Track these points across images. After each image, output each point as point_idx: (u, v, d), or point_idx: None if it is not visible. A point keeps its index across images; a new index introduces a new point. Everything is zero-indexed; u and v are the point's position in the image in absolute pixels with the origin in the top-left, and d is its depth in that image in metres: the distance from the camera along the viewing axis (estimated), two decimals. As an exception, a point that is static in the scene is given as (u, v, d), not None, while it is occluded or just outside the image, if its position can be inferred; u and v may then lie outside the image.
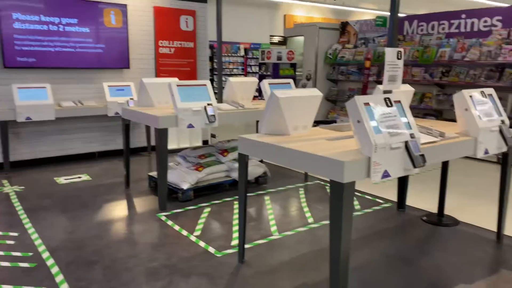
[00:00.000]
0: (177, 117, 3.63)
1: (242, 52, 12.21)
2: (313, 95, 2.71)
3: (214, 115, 3.75)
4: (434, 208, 3.73)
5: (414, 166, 2.15)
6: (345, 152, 2.13)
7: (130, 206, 3.87)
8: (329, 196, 2.06)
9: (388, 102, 2.21)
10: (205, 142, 6.52)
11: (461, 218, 3.56)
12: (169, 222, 3.45)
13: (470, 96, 2.68)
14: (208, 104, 3.77)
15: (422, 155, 2.16)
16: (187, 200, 3.95)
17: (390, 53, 2.66)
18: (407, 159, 2.16)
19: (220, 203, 3.93)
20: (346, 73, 7.99)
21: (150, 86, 4.20)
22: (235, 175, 4.29)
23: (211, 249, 2.95)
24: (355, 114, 2.08)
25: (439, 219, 3.53)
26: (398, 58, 2.73)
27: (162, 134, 3.64)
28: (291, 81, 4.56)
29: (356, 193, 4.25)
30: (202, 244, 3.04)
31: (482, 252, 2.94)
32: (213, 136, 6.71)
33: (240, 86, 4.70)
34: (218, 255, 2.86)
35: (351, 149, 2.20)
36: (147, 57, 5.99)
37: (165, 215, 3.61)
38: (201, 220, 3.49)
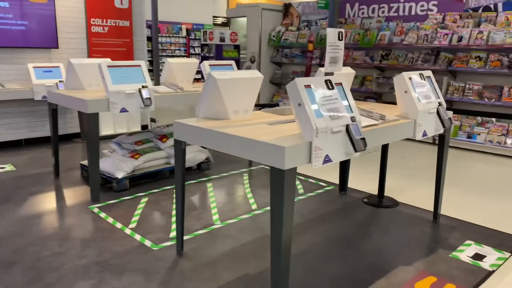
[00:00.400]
0: (109, 100, 3.36)
1: (184, 33, 11.80)
2: (254, 77, 2.57)
3: (149, 98, 3.52)
4: (375, 190, 3.77)
5: (355, 150, 2.09)
6: (286, 137, 2.02)
7: (59, 198, 3.57)
8: (270, 183, 1.95)
9: (329, 85, 2.12)
10: (144, 127, 6.21)
11: (401, 199, 3.63)
12: (102, 215, 3.20)
13: (410, 78, 2.67)
14: (143, 87, 3.52)
15: (363, 139, 2.10)
16: (123, 190, 3.71)
17: (331, 34, 2.57)
18: (348, 143, 2.10)
19: (159, 192, 3.73)
20: (289, 56, 7.93)
21: (79, 67, 3.86)
22: (175, 161, 4.09)
23: (148, 242, 2.77)
24: (295, 97, 1.97)
25: (380, 200, 3.58)
26: (340, 39, 2.65)
27: (92, 119, 3.35)
28: (233, 62, 4.40)
29: (300, 177, 4.21)
30: (137, 237, 2.84)
31: (420, 233, 3.00)
32: (153, 120, 6.41)
33: (180, 67, 4.46)
34: (155, 249, 2.69)
35: (292, 134, 2.10)
36: (78, 36, 5.54)
37: (98, 207, 3.35)
38: (138, 211, 3.28)
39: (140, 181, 3.93)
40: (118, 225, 3.02)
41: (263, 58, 8.09)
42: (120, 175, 3.67)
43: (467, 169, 4.72)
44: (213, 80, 2.40)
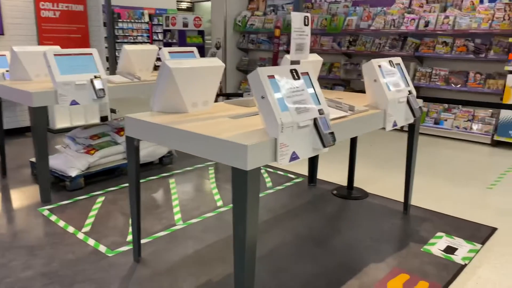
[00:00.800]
0: (57, 92, 3.07)
1: (146, 18, 11.34)
2: (214, 65, 2.36)
3: (103, 89, 3.24)
4: (344, 181, 3.66)
5: (324, 146, 1.93)
6: (249, 133, 1.84)
7: (5, 200, 3.27)
8: (232, 185, 1.76)
9: (295, 75, 1.94)
10: (104, 119, 5.88)
11: (370, 190, 3.53)
12: (53, 218, 2.94)
13: (379, 66, 2.52)
14: (95, 77, 3.24)
15: (332, 133, 1.94)
16: (77, 189, 3.44)
17: (296, 19, 2.39)
18: (316, 138, 1.93)
19: (117, 190, 3.48)
20: (256, 42, 7.71)
21: (23, 56, 3.52)
22: (134, 156, 3.84)
23: (102, 248, 2.54)
24: (258, 88, 1.78)
25: (349, 192, 3.47)
26: (306, 24, 2.47)
27: (39, 114, 3.06)
28: (194, 49, 4.15)
29: (268, 169, 4.05)
30: (91, 242, 2.61)
31: (390, 225, 2.91)
32: (113, 111, 6.08)
33: (137, 55, 4.16)
34: (110, 255, 2.46)
35: (256, 129, 1.91)
36: (26, 22, 5.13)
37: (48, 209, 3.08)
38: (92, 213, 3.03)
39: (96, 178, 3.66)
40: (70, 229, 2.77)
41: (229, 44, 7.83)
42: (73, 173, 3.39)
43: (434, 156, 4.69)
44: (167, 69, 2.18)
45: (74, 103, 3.17)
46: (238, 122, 2.07)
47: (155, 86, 2.28)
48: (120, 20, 10.57)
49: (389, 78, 2.56)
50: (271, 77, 1.83)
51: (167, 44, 7.83)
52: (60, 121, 5.40)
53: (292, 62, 2.50)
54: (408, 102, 2.65)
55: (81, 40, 5.47)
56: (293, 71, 1.94)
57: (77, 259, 2.41)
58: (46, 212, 3.02)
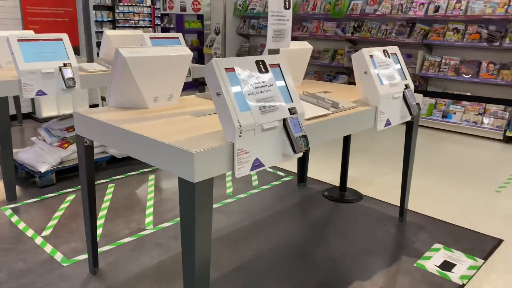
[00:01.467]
0: (20, 82, 2.81)
1: (148, 2, 11.01)
2: (179, 54, 2.07)
3: (72, 78, 2.98)
4: (336, 180, 3.37)
5: (294, 151, 1.64)
6: (204, 136, 1.55)
7: (-30, 197, 3.05)
8: (179, 198, 1.49)
9: (261, 67, 1.64)
10: (94, 107, 5.63)
11: (365, 191, 3.24)
12: (14, 218, 2.71)
13: (371, 56, 2.20)
14: (65, 65, 2.97)
15: (304, 136, 1.65)
16: (48, 185, 3.21)
17: (274, 1, 2.09)
18: (285, 142, 1.64)
19: (90, 186, 3.24)
20: (257, 27, 7.36)
21: (-9, 41, 3.27)
22: (113, 150, 3.60)
23: (58, 256, 2.30)
24: (213, 83, 1.49)
25: (341, 194, 3.17)
26: (286, 8, 2.16)
27: (0, 104, 2.81)
28: (179, 35, 3.84)
29: (257, 165, 3.76)
30: (48, 248, 2.37)
31: (383, 234, 2.61)
32: (104, 99, 5.83)
33: (120, 41, 3.89)
34: (65, 264, 2.22)
35: (216, 131, 1.63)
36: (8, 4, 4.87)
37: (12, 208, 2.85)
38: (58, 213, 2.80)
39: (69, 174, 3.42)
40: (29, 232, 2.54)
41: (229, 29, 7.49)
42: (43, 168, 3.15)
43: (440, 152, 4.35)
44: (121, 59, 1.89)
45: (40, 93, 2.91)
46: (199, 121, 1.79)
47: (110, 78, 2.01)
48: (121, 3, 10.26)
49: (382, 70, 2.24)
50: (230, 70, 1.53)
51: (165, 29, 7.53)
52: (46, 109, 5.17)
53: (270, 52, 2.20)
54: (404, 97, 2.33)
55: (68, 25, 5.21)
56: (260, 62, 1.64)
57: (27, 268, 2.18)
58: (8, 212, 2.79)
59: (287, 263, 2.29)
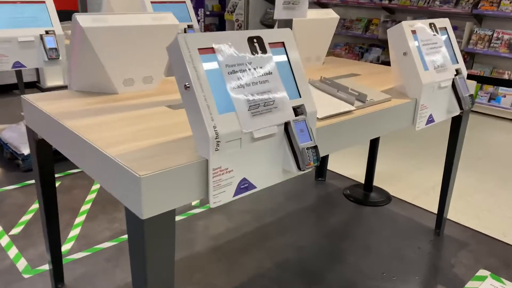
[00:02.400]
0: (-6, 52, 2.42)
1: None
2: (158, 24, 1.60)
3: (56, 49, 2.55)
4: (361, 176, 2.88)
5: (299, 168, 1.17)
6: (172, 145, 1.10)
7: None
8: (127, 234, 1.06)
9: (256, 47, 1.15)
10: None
11: (395, 192, 2.74)
12: (-15, 210, 2.38)
13: (413, 32, 1.66)
14: (47, 32, 2.55)
15: (314, 148, 1.17)
16: (31, 170, 2.86)
17: (286, -47, 1.57)
18: (287, 155, 1.17)
19: (79, 173, 2.87)
20: (284, -8, 6.69)
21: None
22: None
23: (22, 263, 1.94)
24: (180, 71, 1.02)
25: (366, 194, 2.68)
26: (303, -36, 1.64)
27: (-31, 78, 2.43)
28: (187, 0, 3.33)
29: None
30: (12, 252, 2.02)
31: (415, 252, 2.14)
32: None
33: (121, 5, 3.43)
34: (26, 276, 1.86)
35: (190, 135, 1.18)
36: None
37: (-14, 197, 2.53)
38: (35, 206, 2.45)
39: (58, 156, 3.06)
40: (-3, 230, 2.20)
41: (253, -6, 6.87)
42: (26, 150, 2.80)
43: (487, 143, 3.75)
44: (79, 30, 1.44)
45: (18, 65, 2.51)
46: (176, 117, 1.33)
47: (70, 54, 1.56)
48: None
49: (427, 51, 1.70)
50: (207, 51, 1.05)
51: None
52: (51, 79, 4.82)
53: (280, 24, 1.69)
54: (453, 87, 1.79)
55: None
56: (254, 40, 1.15)
57: (-19, 280, 1.83)
58: (-20, 201, 2.47)
59: (294, 284, 1.86)
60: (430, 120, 1.75)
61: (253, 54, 1.13)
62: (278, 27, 1.68)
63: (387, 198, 2.66)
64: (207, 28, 7.11)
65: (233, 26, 6.98)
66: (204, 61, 1.03)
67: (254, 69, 1.12)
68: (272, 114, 1.12)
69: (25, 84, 4.76)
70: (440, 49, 1.74)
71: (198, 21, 6.96)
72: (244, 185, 1.12)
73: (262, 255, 2.07)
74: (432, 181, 2.88)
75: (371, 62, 5.50)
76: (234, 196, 1.10)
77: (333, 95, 1.53)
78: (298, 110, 1.18)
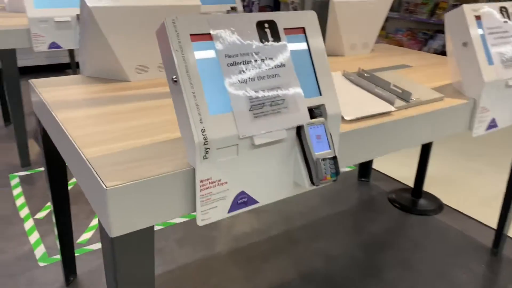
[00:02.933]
0: (29, 31, 2.39)
1: None
2: (175, 4, 1.43)
3: (91, 31, 2.48)
4: (410, 178, 2.59)
5: (312, 182, 0.96)
6: (163, 146, 0.94)
7: (-12, 157, 2.81)
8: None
9: (267, 34, 0.94)
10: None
11: (447, 199, 2.42)
12: (17, 191, 2.39)
13: (477, 17, 1.37)
14: (83, 13, 2.48)
15: (333, 159, 0.96)
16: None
17: None
18: (298, 164, 0.97)
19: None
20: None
21: (16, -18, 2.88)
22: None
23: (40, 250, 1.91)
24: (168, 62, 0.85)
25: (414, 201, 2.39)
26: None
27: (6, 58, 2.43)
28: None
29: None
30: (33, 237, 2.00)
31: (465, 275, 1.85)
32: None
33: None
34: (41, 264, 1.82)
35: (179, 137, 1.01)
36: None
37: (21, 177, 2.54)
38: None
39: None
40: (24, 212, 2.19)
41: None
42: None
43: None
44: (86, 10, 1.31)
45: (54, 46, 2.47)
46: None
47: (80, 35, 1.44)
48: None
49: (494, 41, 1.39)
50: (202, 37, 0.87)
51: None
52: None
53: (315, 5, 1.46)
54: (526, 85, 1.47)
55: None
56: (266, 25, 0.95)
57: (-1, 264, 1.82)
58: (15, 181, 2.48)
59: (316, 303, 1.67)
60: (492, 125, 1.45)
61: (262, 42, 0.93)
62: (312, 9, 1.46)
63: (438, 206, 2.35)
64: (261, 10, 6.89)
65: (287, 9, 6.70)
66: (197, 50, 0.85)
67: (262, 60, 0.92)
68: (281, 116, 0.92)
69: (77, 63, 4.86)
70: (509, 39, 1.42)
71: (253, 3, 6.76)
72: (242, 200, 0.94)
73: (287, 263, 1.88)
74: (494, 189, 2.52)
75: (435, 50, 5.03)
76: (229, 212, 0.92)
77: (371, 91, 1.28)
78: (316, 111, 0.97)
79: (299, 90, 0.95)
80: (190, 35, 0.85)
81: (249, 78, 0.89)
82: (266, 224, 2.15)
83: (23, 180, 2.49)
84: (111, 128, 1.03)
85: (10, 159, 2.74)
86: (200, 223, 0.88)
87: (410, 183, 2.58)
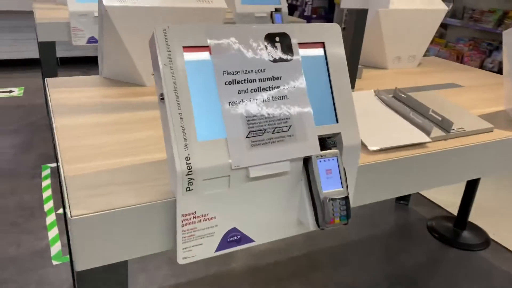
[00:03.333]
0: (70, 25, 2.39)
1: None
2: (197, 6, 1.33)
3: (129, 27, 2.45)
4: (454, 204, 2.35)
5: (318, 225, 0.82)
6: (148, 168, 0.85)
7: (29, 149, 2.87)
8: (78, 278, 0.84)
9: (277, 47, 0.82)
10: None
11: (496, 234, 2.17)
12: (46, 182, 2.41)
13: (544, 37, 1.15)
14: (123, 9, 2.45)
15: (344, 200, 0.81)
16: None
17: None
18: (303, 202, 0.84)
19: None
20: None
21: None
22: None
23: (56, 248, 1.89)
24: (156, 77, 0.74)
25: (456, 232, 2.16)
26: None
27: (45, 51, 2.45)
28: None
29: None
30: (53, 233, 1.99)
31: (507, 325, 1.63)
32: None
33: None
34: (55, 263, 1.80)
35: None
36: None
37: (53, 168, 2.56)
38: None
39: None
40: (48, 205, 2.20)
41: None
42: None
43: None
44: (103, 9, 1.24)
45: (92, 40, 2.47)
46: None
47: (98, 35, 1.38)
48: None
49: None
50: (198, 50, 0.75)
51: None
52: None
53: (349, 16, 1.31)
54: None
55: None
56: (276, 39, 0.81)
57: (13, 258, 1.81)
58: (46, 172, 2.51)
59: None
60: (553, 163, 1.23)
61: (271, 59, 0.80)
62: (347, 19, 1.30)
63: (484, 241, 2.11)
64: (314, 11, 6.69)
65: (341, 12, 6.46)
66: (190, 65, 0.74)
67: (269, 79, 0.79)
68: (285, 145, 0.79)
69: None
70: None
71: (306, 3, 6.58)
72: (234, 238, 0.82)
73: (304, 289, 1.74)
74: (554, 227, 2.23)
75: (499, 63, 4.63)
76: (217, 251, 0.80)
77: (405, 116, 1.12)
78: (328, 142, 0.83)
79: (309, 115, 0.81)
80: (184, 47, 0.74)
81: (250, 100, 0.77)
82: (287, 243, 2.02)
83: (54, 172, 2.51)
84: (106, 141, 0.95)
85: (47, 149, 2.79)
86: (180, 261, 0.77)
87: (454, 210, 2.34)
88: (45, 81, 1.35)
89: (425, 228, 2.20)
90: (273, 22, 2.89)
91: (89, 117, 1.07)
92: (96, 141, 0.94)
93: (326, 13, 6.93)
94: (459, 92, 1.50)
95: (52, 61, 2.49)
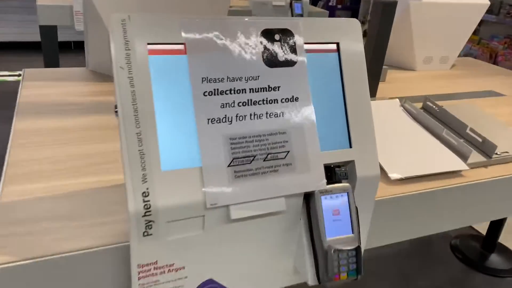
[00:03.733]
0: (73, 9, 2.24)
1: None
2: (198, -7, 1.14)
3: (135, 13, 2.29)
4: (485, 225, 2.12)
5: (319, 280, 0.64)
6: (116, 191, 0.67)
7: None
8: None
9: (276, 47, 0.63)
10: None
11: (529, 258, 1.94)
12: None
13: None
14: (130, -7, 2.28)
15: (356, 250, 0.63)
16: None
17: None
18: (303, 249, 0.65)
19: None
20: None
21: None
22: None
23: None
24: (115, 85, 0.57)
25: (483, 254, 1.94)
26: None
27: (46, 35, 2.30)
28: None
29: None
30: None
31: None
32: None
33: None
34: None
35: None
36: None
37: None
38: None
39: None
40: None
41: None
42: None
43: None
44: (85, -8, 1.07)
45: (96, 26, 2.31)
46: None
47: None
48: None
49: None
50: (168, 49, 0.57)
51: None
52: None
53: (374, 9, 1.10)
54: None
55: None
56: (275, 37, 0.62)
57: None
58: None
59: None
60: None
61: (267, 62, 0.61)
62: (372, 12, 1.10)
63: (515, 266, 1.89)
64: (339, 1, 6.40)
65: (367, 2, 6.14)
66: (156, 69, 0.56)
67: (263, 89, 0.61)
68: (280, 177, 0.60)
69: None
70: None
71: (332, -8, 6.29)
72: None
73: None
74: None
75: (536, 64, 4.30)
76: (186, 309, 0.63)
77: (437, 136, 0.91)
78: (338, 172, 0.64)
79: (314, 138, 0.62)
80: (149, 44, 0.56)
81: (236, 116, 0.59)
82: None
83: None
84: (65, 154, 0.78)
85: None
86: (140, 323, 0.60)
87: (483, 229, 2.11)
88: (23, 72, 1.19)
89: (448, 246, 1.99)
90: (292, 12, 2.68)
91: (56, 120, 0.90)
92: (54, 153, 0.77)
93: (353, 3, 6.62)
94: (500, 102, 1.28)
95: (54, 46, 2.34)
